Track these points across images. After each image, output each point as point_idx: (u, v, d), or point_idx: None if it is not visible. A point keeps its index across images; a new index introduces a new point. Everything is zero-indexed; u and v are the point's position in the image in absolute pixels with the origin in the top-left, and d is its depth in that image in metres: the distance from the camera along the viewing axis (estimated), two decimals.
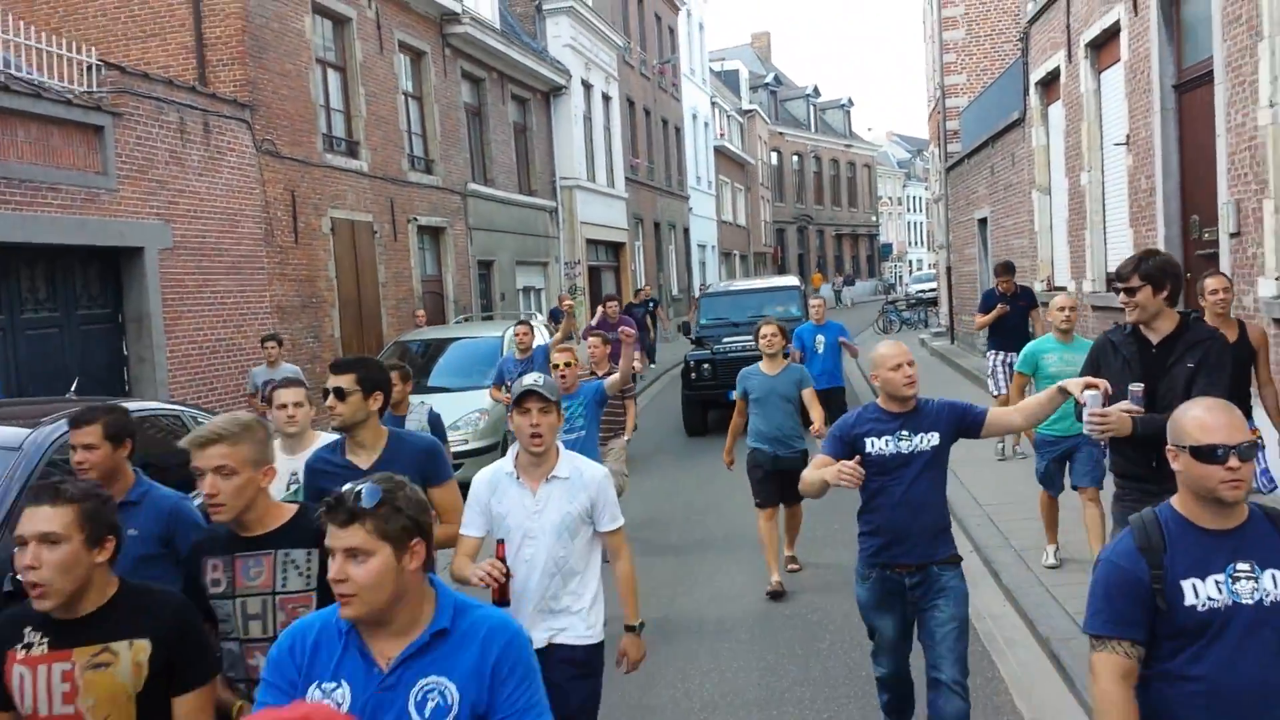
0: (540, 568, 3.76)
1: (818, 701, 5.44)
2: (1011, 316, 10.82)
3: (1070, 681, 5.30)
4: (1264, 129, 7.77)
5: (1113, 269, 11.75)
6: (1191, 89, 9.50)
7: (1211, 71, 8.73)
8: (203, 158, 12.83)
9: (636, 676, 4.54)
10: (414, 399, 6.79)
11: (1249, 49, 7.95)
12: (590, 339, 9.24)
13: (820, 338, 11.21)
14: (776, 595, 7.18)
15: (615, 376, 7.46)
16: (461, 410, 11.83)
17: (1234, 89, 8.31)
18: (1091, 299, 12.33)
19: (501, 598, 3.49)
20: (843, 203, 63.77)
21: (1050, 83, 14.31)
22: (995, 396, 10.31)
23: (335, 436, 4.24)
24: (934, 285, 35.20)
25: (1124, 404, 3.92)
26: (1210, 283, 6.06)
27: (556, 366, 6.91)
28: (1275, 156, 7.64)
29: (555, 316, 18.00)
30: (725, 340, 14.78)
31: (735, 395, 7.73)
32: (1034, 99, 15.12)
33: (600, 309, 15.31)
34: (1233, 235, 8.47)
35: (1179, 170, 9.90)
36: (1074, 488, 6.98)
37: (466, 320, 17.61)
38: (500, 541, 3.70)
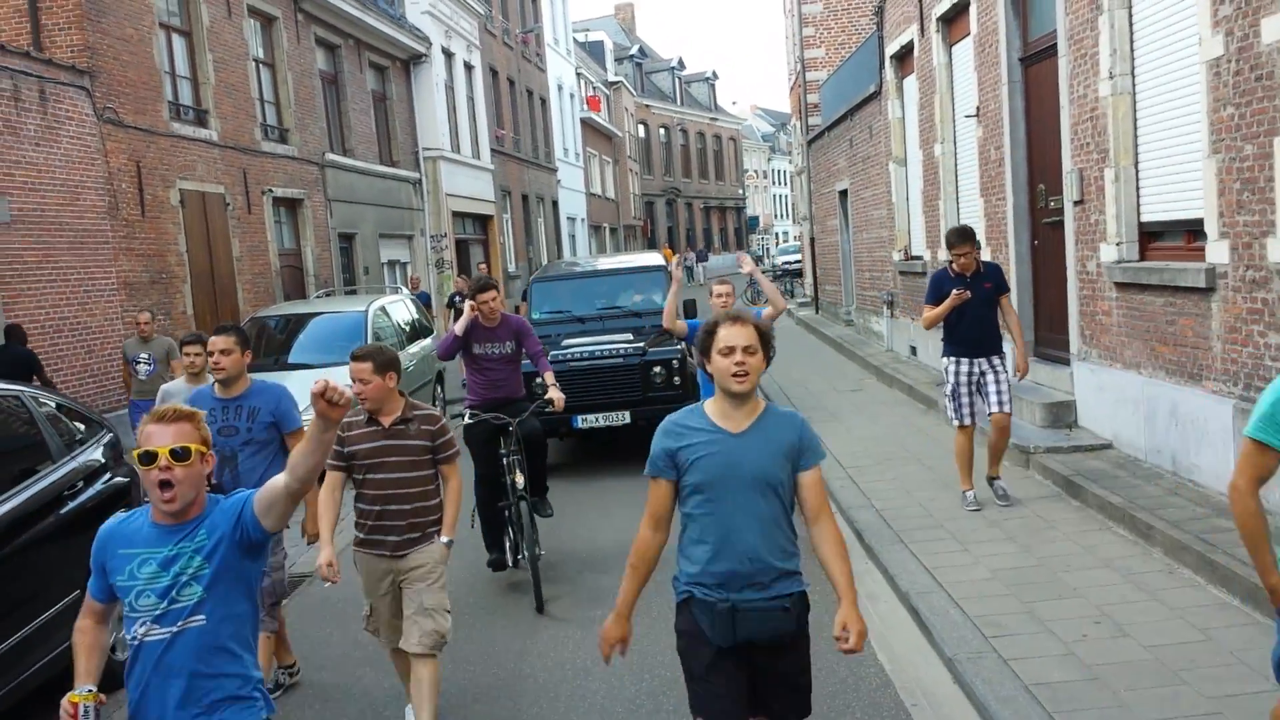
0: None
1: None
2: (974, 306, 7.34)
3: (928, 632, 5.48)
4: (1104, 100, 8.11)
5: None
6: (1037, 61, 9.84)
7: (1055, 44, 9.06)
8: (39, 127, 12.15)
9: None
10: (259, 377, 5.92)
11: (1090, 22, 8.28)
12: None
13: None
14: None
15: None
16: None
17: (1076, 61, 8.65)
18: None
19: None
20: (710, 176, 64.37)
21: (905, 56, 14.66)
22: (958, 427, 7.57)
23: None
24: (799, 257, 35.85)
25: None
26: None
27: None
28: (1115, 127, 7.99)
29: (452, 304, 18.00)
30: (566, 344, 10.63)
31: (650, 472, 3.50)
32: (889, 73, 15.47)
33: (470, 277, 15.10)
34: (1076, 203, 8.83)
35: (1026, 141, 10.26)
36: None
37: (328, 295, 17.15)
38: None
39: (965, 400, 7.50)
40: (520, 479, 6.89)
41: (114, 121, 13.49)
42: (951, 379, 7.54)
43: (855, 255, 19.75)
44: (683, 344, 9.79)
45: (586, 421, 10.20)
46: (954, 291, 7.26)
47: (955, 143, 12.46)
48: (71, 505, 5.69)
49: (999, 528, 6.98)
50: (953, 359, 7.54)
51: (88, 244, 12.83)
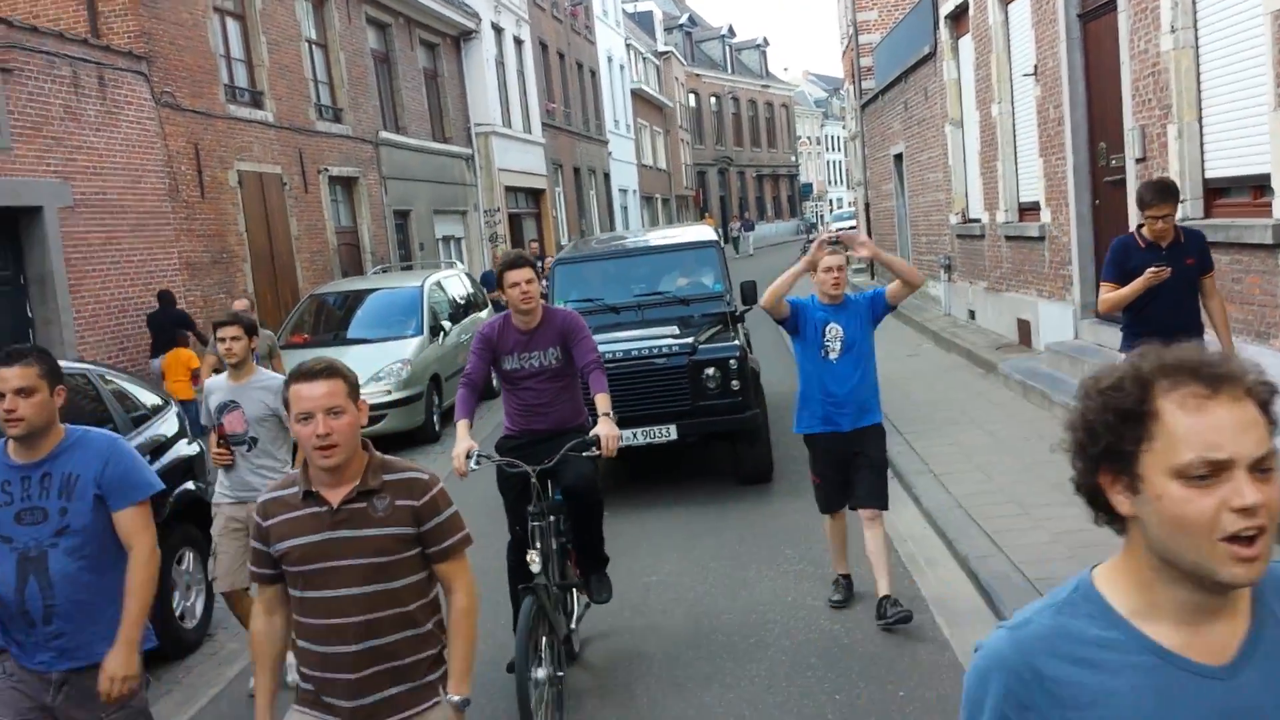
0: None
1: None
2: (1170, 288, 5.55)
3: (988, 597, 5.44)
4: (1166, 55, 7.91)
5: (1025, 198, 11.97)
6: (1096, 17, 9.62)
7: (1114, 0, 8.85)
8: (99, 112, 12.36)
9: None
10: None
11: None
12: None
13: (834, 328, 5.50)
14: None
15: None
16: (383, 361, 11.74)
17: (1136, 16, 8.43)
18: (1004, 229, 12.54)
19: None
20: (762, 143, 63.84)
21: (959, 16, 14.40)
22: None
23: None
24: (853, 223, 35.51)
25: None
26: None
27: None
28: (1177, 82, 7.79)
29: (487, 282, 17.07)
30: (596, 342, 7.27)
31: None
32: (944, 33, 15.21)
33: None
34: (1139, 160, 8.64)
35: (1086, 99, 10.05)
36: None
37: (384, 271, 17.34)
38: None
39: None
40: (537, 560, 4.60)
41: (171, 105, 13.70)
42: None
43: (911, 219, 19.52)
44: (741, 341, 8.36)
45: (621, 439, 7.70)
46: (1150, 270, 5.46)
47: (1013, 102, 12.23)
48: None
49: (1061, 491, 6.88)
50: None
51: (149, 226, 13.07)
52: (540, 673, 4.38)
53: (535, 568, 4.57)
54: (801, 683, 4.86)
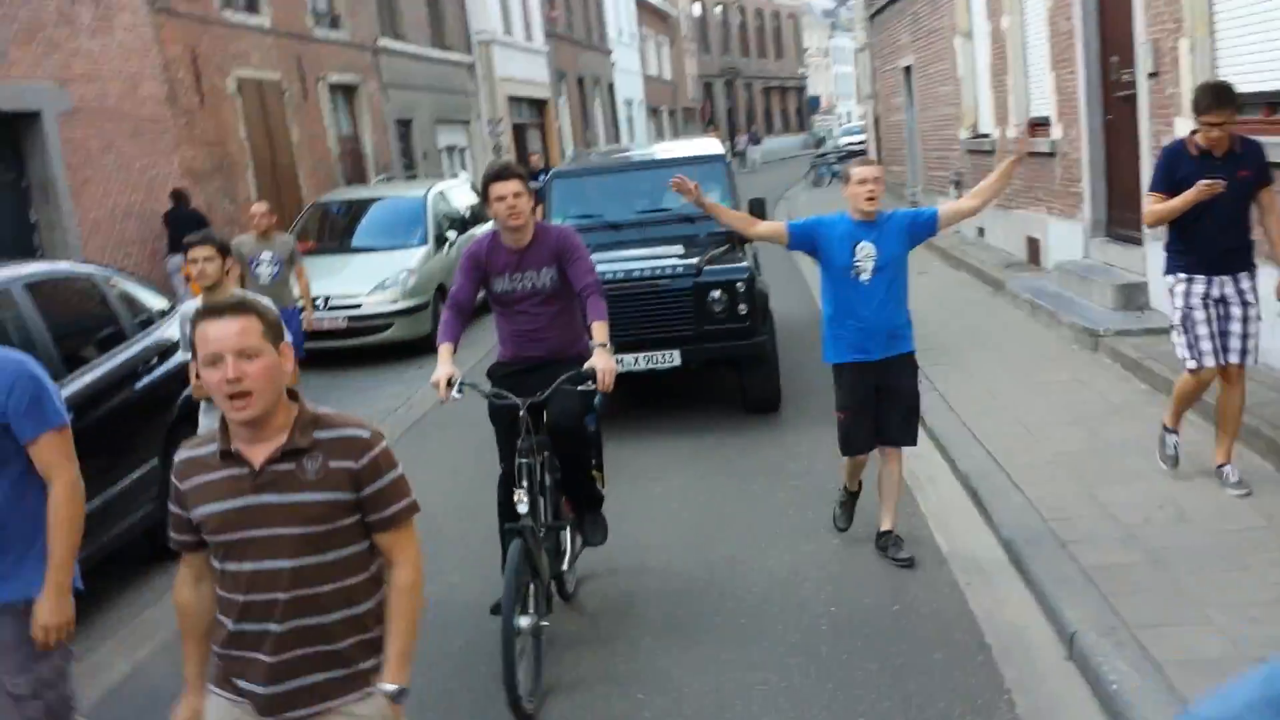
0: None
1: None
2: (1224, 202, 5.07)
3: (987, 514, 5.49)
4: None
5: (1035, 113, 11.79)
6: None
7: None
8: (94, 17, 12.15)
9: None
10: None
11: None
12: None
13: (866, 247, 4.96)
14: None
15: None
16: (389, 270, 11.75)
17: None
18: (1015, 145, 12.37)
19: None
20: (769, 55, 62.75)
21: None
22: (1191, 371, 5.30)
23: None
24: (863, 138, 35.05)
25: None
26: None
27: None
28: None
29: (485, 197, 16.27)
30: (595, 261, 6.24)
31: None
32: None
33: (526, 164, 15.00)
34: (1150, 75, 8.48)
35: (1098, 11, 9.83)
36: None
37: (388, 180, 17.19)
38: None
39: (1205, 331, 5.18)
40: (525, 500, 4.29)
41: (166, 10, 13.45)
42: (1181, 302, 5.26)
43: (921, 134, 19.25)
44: (749, 263, 7.91)
45: (621, 364, 6.49)
46: (1203, 183, 4.96)
47: (1023, 14, 11.98)
48: (146, 380, 5.94)
49: (1066, 410, 6.91)
50: (1183, 276, 5.26)
51: (149, 132, 12.94)
52: (524, 621, 4.14)
53: (522, 508, 4.25)
54: (808, 644, 4.65)
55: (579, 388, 4.47)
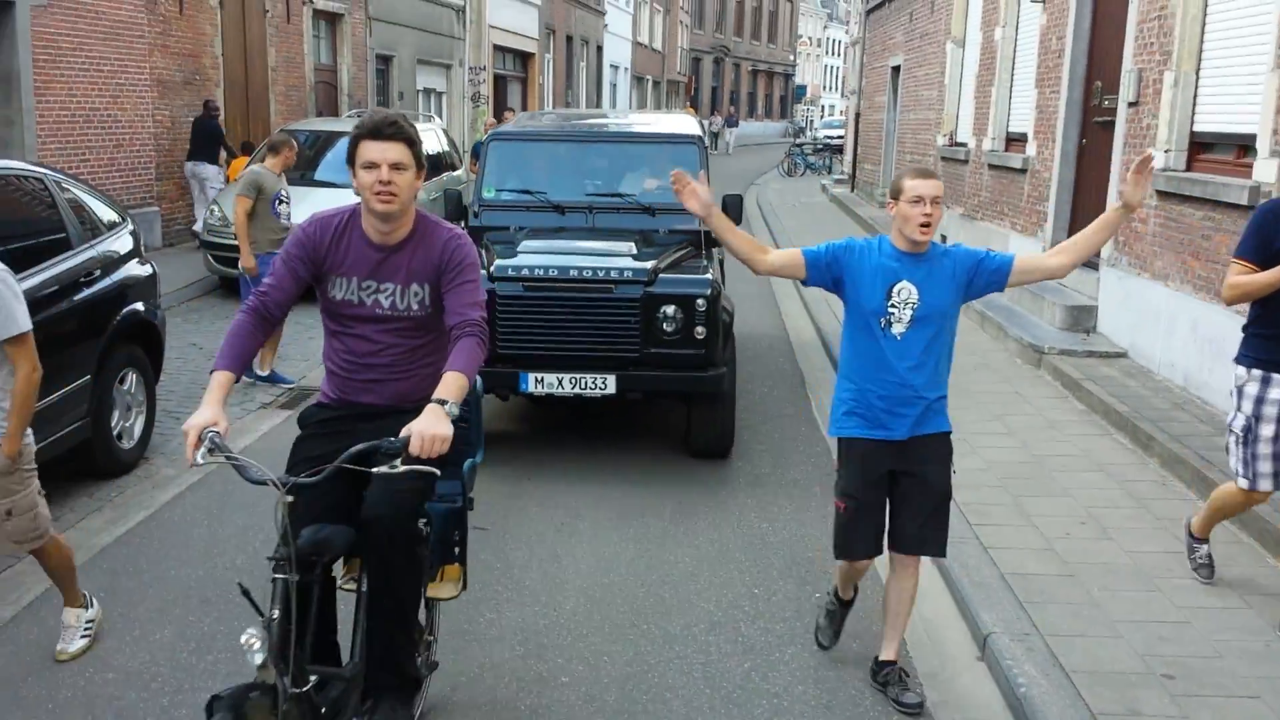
0: None
1: None
2: None
3: None
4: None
5: (1013, 128, 11.87)
6: None
7: None
8: None
9: None
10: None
11: None
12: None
13: (905, 288, 3.69)
14: None
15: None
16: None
17: None
18: (989, 157, 12.46)
19: None
20: (762, 37, 62.60)
21: None
22: (1246, 489, 4.33)
23: None
24: (842, 132, 35.13)
25: None
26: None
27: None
28: (1182, 29, 7.68)
29: (477, 153, 14.09)
30: (526, 248, 6.44)
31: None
32: None
33: (501, 120, 14.84)
34: (1131, 104, 8.56)
35: (1089, 34, 9.90)
36: None
37: (360, 115, 16.92)
38: None
39: (1268, 451, 4.21)
40: (257, 646, 2.58)
41: None
42: (1251, 407, 4.22)
43: (899, 135, 19.34)
44: (714, 275, 6.37)
45: (542, 384, 6.08)
46: None
47: (1017, 28, 12.03)
48: (86, 293, 5.76)
49: (1001, 422, 7.00)
50: (1259, 374, 4.20)
51: (123, 36, 12.64)
52: None
53: (256, 658, 2.59)
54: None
55: (380, 468, 2.76)
